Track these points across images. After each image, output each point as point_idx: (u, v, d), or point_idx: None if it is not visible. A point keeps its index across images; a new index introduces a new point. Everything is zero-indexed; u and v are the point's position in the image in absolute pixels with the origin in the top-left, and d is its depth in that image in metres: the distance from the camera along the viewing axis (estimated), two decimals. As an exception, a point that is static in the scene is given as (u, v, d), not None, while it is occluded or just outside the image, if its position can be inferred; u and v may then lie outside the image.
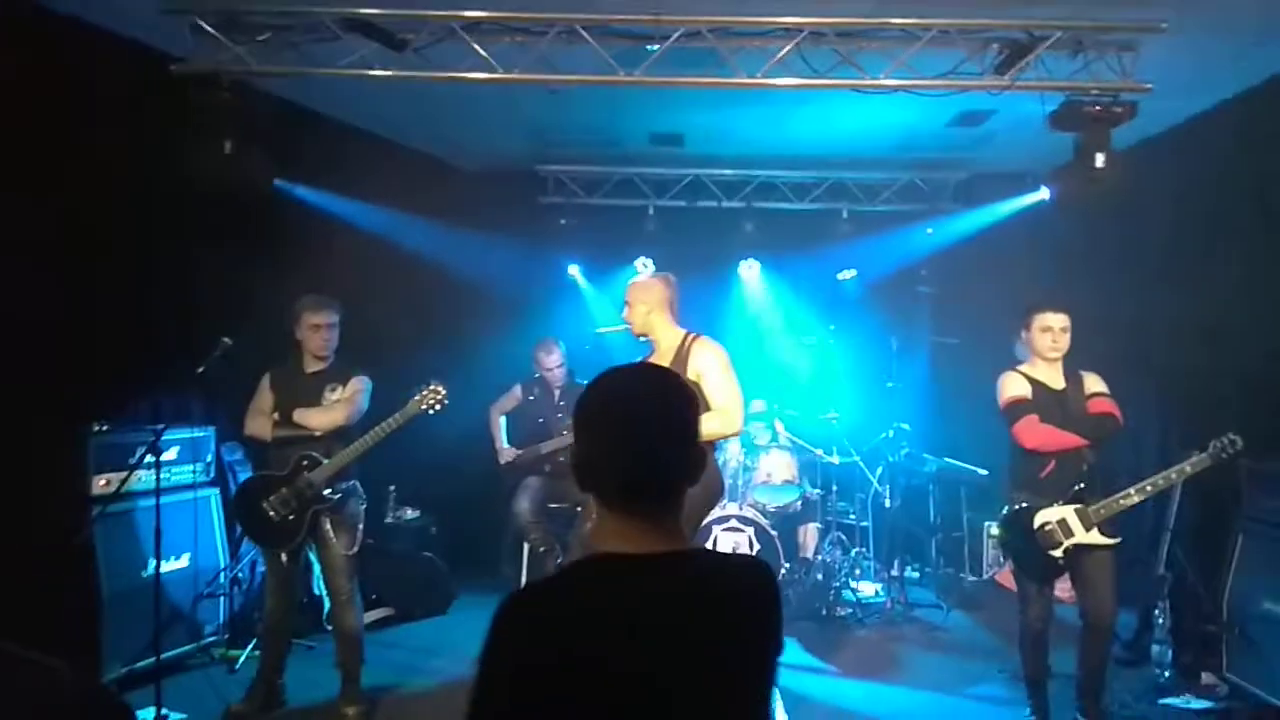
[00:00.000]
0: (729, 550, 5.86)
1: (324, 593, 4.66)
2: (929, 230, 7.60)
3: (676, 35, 4.46)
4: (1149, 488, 4.00)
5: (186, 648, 4.93)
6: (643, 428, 1.48)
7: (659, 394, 1.54)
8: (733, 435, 4.33)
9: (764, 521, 6.04)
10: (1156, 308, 5.88)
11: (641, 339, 4.15)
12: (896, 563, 6.80)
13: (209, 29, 4.42)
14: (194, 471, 5.10)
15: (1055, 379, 4.20)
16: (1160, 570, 5.07)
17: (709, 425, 3.65)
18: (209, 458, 5.22)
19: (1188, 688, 4.73)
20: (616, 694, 1.34)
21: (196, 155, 4.47)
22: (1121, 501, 3.99)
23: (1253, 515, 4.65)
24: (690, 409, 1.55)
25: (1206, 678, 4.75)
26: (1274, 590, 4.42)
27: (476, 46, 4.52)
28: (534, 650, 1.34)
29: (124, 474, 4.24)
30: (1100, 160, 4.49)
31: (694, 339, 3.98)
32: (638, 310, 4.08)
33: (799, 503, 6.51)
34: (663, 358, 3.98)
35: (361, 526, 4.46)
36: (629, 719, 1.35)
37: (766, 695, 1.52)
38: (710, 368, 3.86)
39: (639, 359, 4.28)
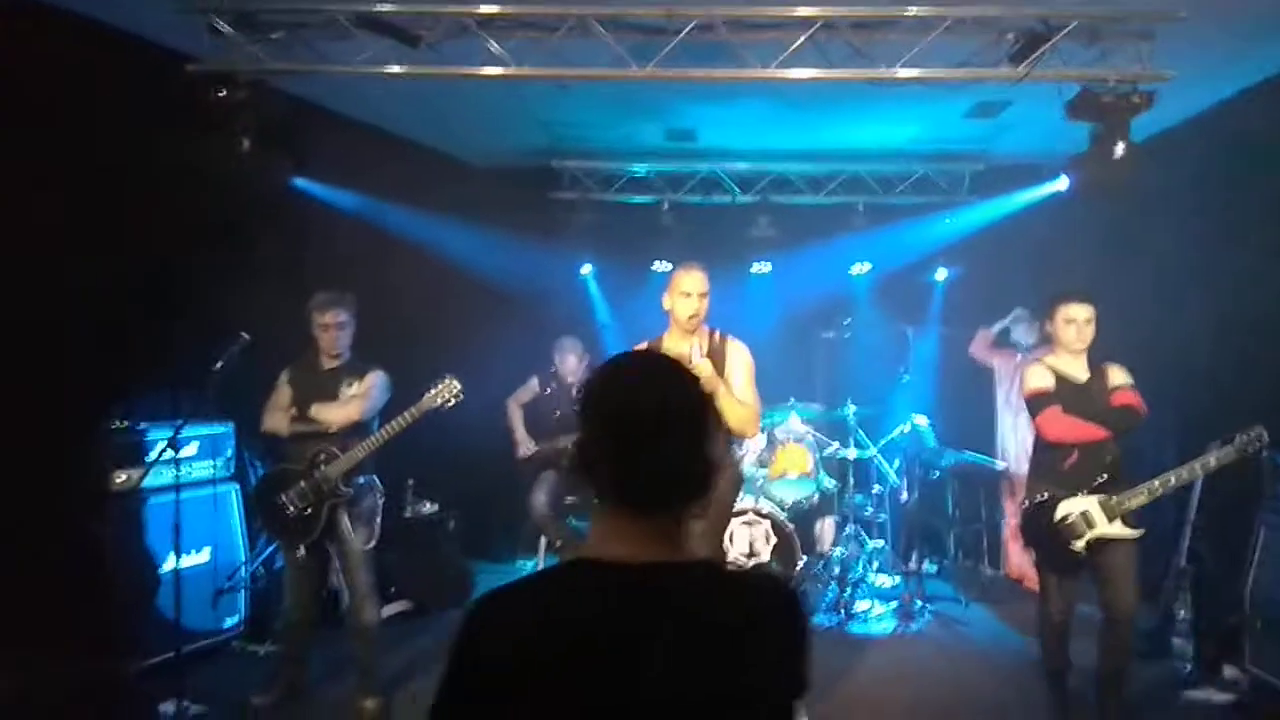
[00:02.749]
0: (746, 544, 5.83)
1: (342, 586, 4.68)
2: (947, 220, 7.55)
3: (690, 28, 4.44)
4: (1173, 480, 3.95)
5: (207, 641, 4.98)
6: (645, 426, 1.32)
7: (670, 389, 1.37)
8: (749, 438, 4.49)
9: (780, 516, 6.02)
10: (1177, 298, 5.82)
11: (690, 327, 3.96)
12: (914, 556, 6.77)
13: (224, 28, 4.43)
14: (214, 467, 5.15)
15: (1079, 371, 4.16)
16: (1181, 563, 5.03)
17: (736, 413, 3.68)
18: (229, 453, 5.25)
19: (1209, 681, 4.70)
20: (575, 716, 1.23)
21: (214, 154, 4.49)
22: (1146, 493, 3.95)
23: (1274, 507, 4.61)
24: (706, 408, 1.39)
25: (1228, 671, 4.70)
26: (1296, 582, 4.38)
27: (490, 42, 4.52)
28: (494, 655, 1.25)
29: (143, 469, 4.28)
30: (1119, 150, 4.45)
31: (724, 336, 3.98)
32: (708, 299, 3.94)
33: (816, 497, 6.49)
34: (697, 348, 3.93)
35: (379, 520, 4.49)
36: None
37: None
38: (741, 368, 3.91)
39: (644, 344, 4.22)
